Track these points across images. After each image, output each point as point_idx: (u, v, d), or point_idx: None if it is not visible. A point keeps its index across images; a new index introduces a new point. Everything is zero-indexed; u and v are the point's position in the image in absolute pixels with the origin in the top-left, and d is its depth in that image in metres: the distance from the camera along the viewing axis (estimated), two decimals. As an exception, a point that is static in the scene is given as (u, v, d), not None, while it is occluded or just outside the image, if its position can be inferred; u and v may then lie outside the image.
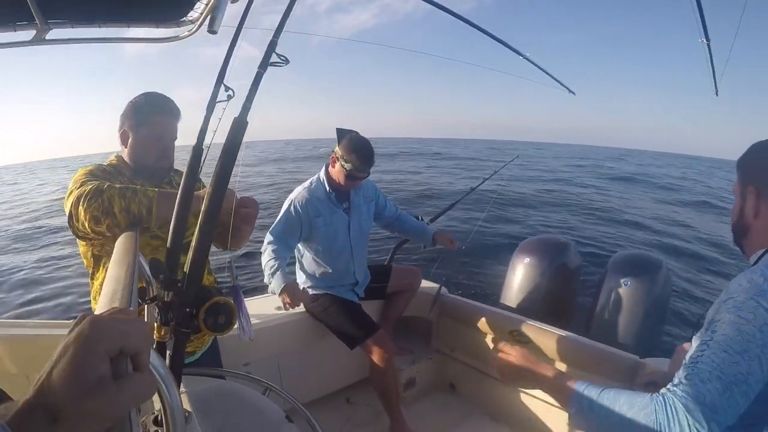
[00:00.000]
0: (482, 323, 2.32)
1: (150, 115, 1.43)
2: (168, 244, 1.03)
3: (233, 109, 1.15)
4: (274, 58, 0.96)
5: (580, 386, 0.98)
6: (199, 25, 1.43)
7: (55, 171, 41.22)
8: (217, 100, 1.09)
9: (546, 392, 1.07)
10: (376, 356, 2.10)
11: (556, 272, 2.44)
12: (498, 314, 2.30)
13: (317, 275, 2.23)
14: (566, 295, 2.55)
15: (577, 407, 0.96)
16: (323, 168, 2.19)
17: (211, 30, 1.39)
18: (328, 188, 2.15)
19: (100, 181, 1.24)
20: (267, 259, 2.05)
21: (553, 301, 2.46)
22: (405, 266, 2.62)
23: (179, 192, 1.05)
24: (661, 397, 0.86)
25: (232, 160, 0.94)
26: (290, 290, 1.98)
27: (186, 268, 0.91)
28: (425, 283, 2.60)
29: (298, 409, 1.23)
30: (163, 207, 1.20)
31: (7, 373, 1.85)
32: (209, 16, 1.37)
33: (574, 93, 2.34)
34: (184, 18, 1.42)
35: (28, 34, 1.38)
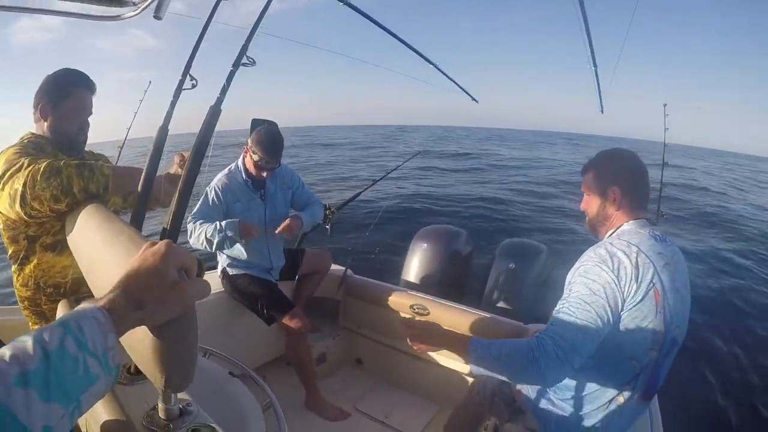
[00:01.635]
0: (385, 300, 2.53)
1: (72, 88, 1.45)
2: (131, 222, 1.15)
3: (194, 97, 1.30)
4: (244, 60, 1.15)
5: (475, 339, 1.29)
6: (143, 9, 1.47)
7: None
8: (183, 87, 1.22)
9: (449, 349, 1.34)
10: (291, 331, 2.26)
11: (450, 256, 2.74)
12: (399, 291, 2.54)
13: (235, 258, 2.33)
14: (460, 275, 2.85)
15: (474, 354, 1.26)
16: (241, 156, 2.30)
17: (157, 15, 1.45)
18: (244, 176, 2.27)
19: (50, 159, 1.25)
20: (199, 231, 2.11)
21: (448, 281, 2.76)
22: (316, 250, 2.78)
23: (144, 172, 1.18)
24: (535, 339, 1.18)
25: (205, 144, 1.11)
26: (245, 225, 2.08)
27: (165, 233, 1.06)
28: (333, 266, 2.79)
29: (239, 367, 1.40)
30: (118, 185, 1.27)
31: None
32: (156, 1, 1.43)
33: (477, 101, 2.60)
34: None
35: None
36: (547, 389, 1.40)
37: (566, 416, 1.34)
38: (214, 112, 1.11)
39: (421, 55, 2.22)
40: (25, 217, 1.24)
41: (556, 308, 1.22)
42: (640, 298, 1.15)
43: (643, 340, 1.18)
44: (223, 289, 2.35)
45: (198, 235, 2.11)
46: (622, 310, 1.16)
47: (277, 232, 2.31)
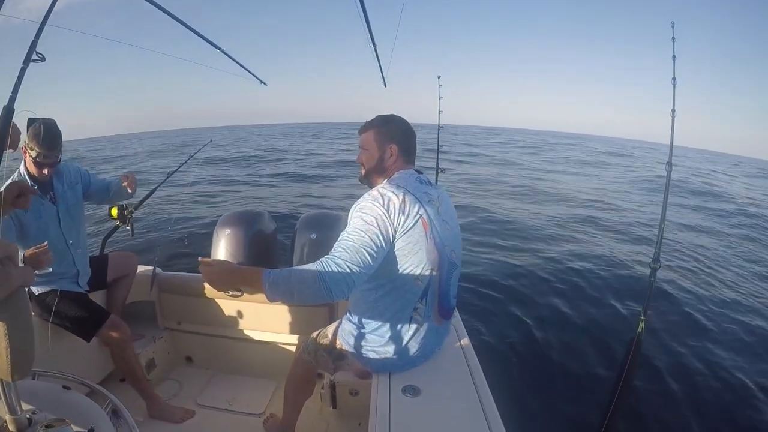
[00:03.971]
0: (199, 291, 2.54)
1: None
2: None
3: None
4: (34, 56, 1.09)
5: (267, 270, 1.32)
6: None
7: None
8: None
9: (247, 285, 1.36)
10: (114, 342, 2.14)
11: (255, 237, 2.74)
12: None
13: (38, 272, 2.05)
14: (267, 254, 2.85)
15: (268, 281, 1.29)
16: (21, 161, 2.05)
17: None
18: (29, 182, 2.04)
19: None
20: None
21: (256, 261, 2.73)
22: (121, 253, 2.63)
23: None
24: (320, 262, 1.30)
25: (1, 147, 1.03)
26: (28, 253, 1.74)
27: None
28: (141, 268, 2.67)
29: (71, 379, 1.32)
30: None
31: None
32: None
33: (266, 84, 2.68)
34: None
35: None
36: (358, 327, 1.59)
37: (380, 346, 1.53)
38: (8, 113, 1.03)
39: (209, 42, 2.22)
40: None
41: (339, 238, 1.37)
42: (410, 225, 1.37)
43: (420, 261, 1.41)
44: (33, 313, 2.04)
45: None
46: (395, 238, 1.37)
47: (124, 185, 2.26)
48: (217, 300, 2.55)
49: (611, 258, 5.72)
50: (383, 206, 1.36)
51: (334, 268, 1.27)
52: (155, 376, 2.56)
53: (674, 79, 1.94)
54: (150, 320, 2.74)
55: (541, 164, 19.41)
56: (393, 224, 1.36)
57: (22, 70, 1.05)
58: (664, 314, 4.24)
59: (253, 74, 2.47)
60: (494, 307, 4.32)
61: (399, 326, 1.51)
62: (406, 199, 1.38)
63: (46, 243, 1.75)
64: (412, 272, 1.42)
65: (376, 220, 1.34)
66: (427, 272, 1.44)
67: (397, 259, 1.40)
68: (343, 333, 1.66)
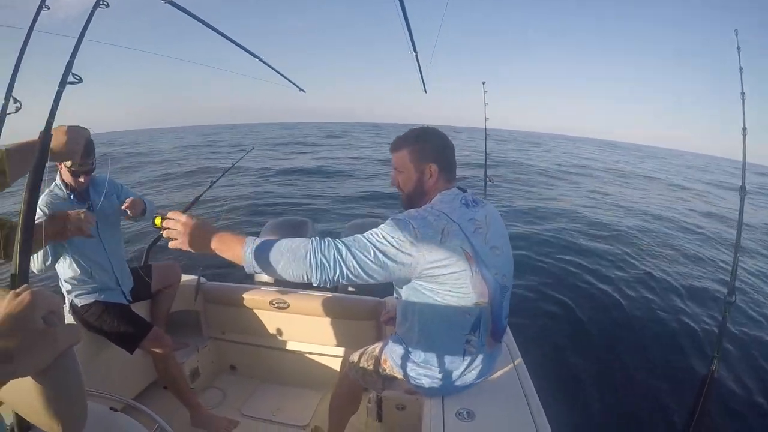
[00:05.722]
0: (244, 301, 2.52)
1: None
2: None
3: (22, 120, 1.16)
4: (70, 78, 1.05)
5: (250, 237, 1.25)
6: None
7: None
8: (7, 112, 1.07)
9: (221, 246, 1.23)
10: (157, 354, 2.15)
11: None
12: (256, 290, 2.53)
13: (80, 282, 2.12)
14: None
15: (251, 246, 1.22)
16: (57, 173, 2.09)
17: None
18: (66, 191, 2.08)
19: None
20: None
21: None
22: (165, 263, 2.64)
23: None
24: (324, 239, 1.24)
25: (41, 173, 1.01)
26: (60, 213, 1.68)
27: (15, 269, 0.94)
28: (185, 277, 2.68)
29: (117, 400, 1.31)
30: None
31: None
32: None
33: (304, 91, 2.69)
34: None
35: None
36: (408, 352, 1.51)
37: (432, 373, 1.46)
38: (46, 140, 1.01)
39: (247, 51, 2.19)
40: None
41: (364, 233, 1.29)
42: (449, 258, 1.25)
43: (466, 295, 1.30)
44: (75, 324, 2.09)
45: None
46: (419, 267, 1.25)
47: (123, 207, 2.16)
48: (262, 311, 2.54)
49: (684, 284, 5.24)
50: (414, 232, 1.25)
51: (328, 253, 1.21)
52: (199, 385, 2.57)
53: (743, 93, 1.76)
54: (194, 329, 2.75)
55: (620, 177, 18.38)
56: (418, 255, 1.24)
57: (59, 93, 1.02)
58: (740, 350, 3.82)
59: (292, 82, 2.42)
60: (550, 323, 4.12)
61: (451, 356, 1.43)
62: (447, 230, 1.27)
63: (85, 210, 1.67)
64: (458, 305, 1.32)
65: (399, 242, 1.24)
66: (476, 305, 1.34)
67: (439, 292, 1.31)
68: (393, 356, 1.58)
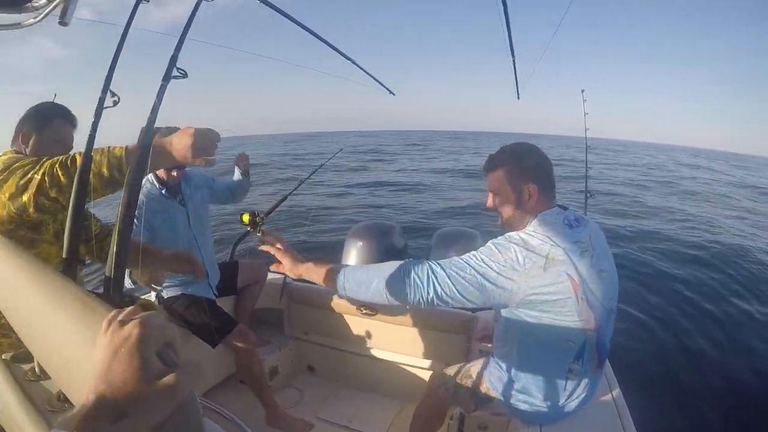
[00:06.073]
0: (329, 304, 2.50)
1: (53, 118, 1.47)
2: (66, 255, 1.01)
3: (120, 114, 1.17)
4: (174, 72, 1.03)
5: (335, 265, 1.32)
6: (46, 14, 1.29)
7: None
8: (105, 106, 1.08)
9: (314, 273, 1.33)
10: (240, 350, 2.17)
11: (385, 252, 2.63)
12: None
13: (170, 274, 2.15)
14: None
15: (343, 271, 1.29)
16: None
17: (62, 21, 1.29)
18: (157, 185, 2.14)
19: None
20: None
21: None
22: (250, 261, 2.68)
23: (71, 204, 1.03)
24: (412, 260, 1.24)
25: (143, 170, 0.99)
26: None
27: (110, 273, 0.93)
28: (271, 275, 2.70)
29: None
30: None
31: None
32: (61, 6, 1.26)
33: (394, 94, 2.65)
34: (29, 4, 1.27)
35: None
36: (508, 376, 1.44)
37: (532, 399, 1.39)
38: (147, 136, 0.99)
39: (338, 51, 2.17)
40: (31, 209, 1.18)
41: (462, 256, 1.26)
42: (553, 285, 1.18)
43: (570, 322, 1.22)
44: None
45: None
46: (521, 292, 1.19)
47: (237, 162, 2.42)
48: (348, 315, 2.51)
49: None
50: (516, 256, 1.19)
51: (422, 273, 1.21)
52: (277, 383, 2.58)
53: None
54: (277, 327, 2.77)
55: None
56: (520, 280, 1.18)
57: (162, 87, 1.00)
58: None
59: (382, 84, 2.36)
60: (652, 348, 3.74)
61: (552, 384, 1.35)
62: (551, 255, 1.19)
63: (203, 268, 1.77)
64: (561, 333, 1.25)
65: (500, 266, 1.19)
66: (581, 333, 1.26)
67: (541, 319, 1.24)
68: (490, 377, 1.51)
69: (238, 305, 2.56)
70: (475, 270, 1.19)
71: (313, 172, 3.29)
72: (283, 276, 2.62)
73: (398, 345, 2.44)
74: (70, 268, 1.01)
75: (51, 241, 1.38)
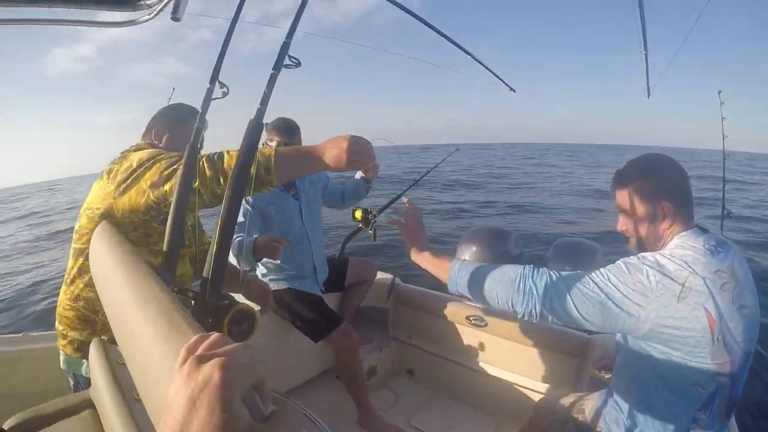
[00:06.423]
0: (437, 310, 2.44)
1: (186, 118, 1.48)
2: (166, 248, 0.98)
3: (229, 105, 1.12)
4: (286, 60, 0.95)
5: (456, 260, 1.29)
6: (159, 11, 1.32)
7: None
8: (213, 97, 1.04)
9: (431, 262, 1.32)
10: (342, 348, 2.14)
11: (499, 260, 2.49)
12: (452, 300, 2.42)
13: (278, 268, 2.21)
14: None
15: (458, 264, 1.25)
16: None
17: (175, 17, 1.30)
18: None
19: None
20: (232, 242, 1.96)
21: None
22: (361, 259, 2.66)
23: (174, 197, 1.00)
24: (532, 266, 1.15)
25: (248, 164, 0.93)
26: (261, 241, 1.86)
27: (207, 274, 0.88)
28: (380, 274, 2.68)
29: (280, 399, 1.23)
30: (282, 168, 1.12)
31: None
32: (172, 2, 1.28)
33: (515, 91, 2.50)
34: (142, 2, 1.30)
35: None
36: (626, 419, 1.27)
37: None
38: (256, 127, 0.92)
39: (458, 46, 2.07)
40: (170, 200, 1.15)
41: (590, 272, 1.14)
42: (686, 324, 1.02)
43: (702, 365, 1.06)
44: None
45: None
46: (646, 323, 1.05)
47: (362, 176, 2.39)
48: (456, 324, 2.42)
49: None
50: (648, 279, 1.04)
51: (540, 281, 1.12)
52: (374, 383, 2.53)
53: None
54: (381, 327, 2.74)
55: None
56: (649, 308, 1.04)
57: (273, 77, 0.93)
58: None
59: (501, 80, 2.21)
60: None
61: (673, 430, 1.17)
62: (689, 285, 1.03)
63: (286, 241, 1.83)
64: (689, 377, 1.08)
65: (628, 289, 1.05)
66: (713, 378, 1.08)
67: (670, 357, 1.08)
68: (607, 418, 1.35)
69: (344, 302, 2.55)
70: (600, 288, 1.06)
71: (428, 172, 3.24)
72: (392, 276, 2.67)
73: (503, 360, 2.31)
74: (170, 264, 0.97)
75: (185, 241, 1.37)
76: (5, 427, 1.03)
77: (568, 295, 1.08)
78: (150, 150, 1.29)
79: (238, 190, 0.91)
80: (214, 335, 0.42)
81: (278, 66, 0.94)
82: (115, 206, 1.21)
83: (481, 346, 2.38)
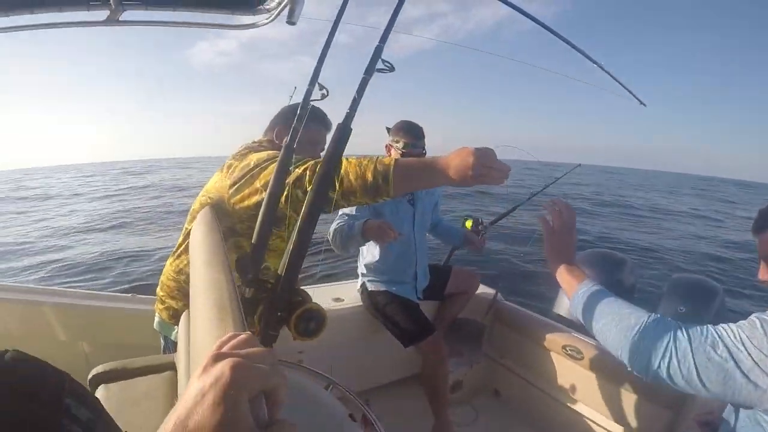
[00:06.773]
0: (535, 334, 2.32)
1: (310, 120, 1.47)
2: (254, 241, 1.03)
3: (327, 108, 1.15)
4: (379, 64, 0.94)
5: (590, 280, 1.13)
6: (276, 15, 1.41)
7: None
8: (311, 99, 1.08)
9: (565, 274, 1.17)
10: (430, 358, 2.12)
11: (612, 288, 2.29)
12: (552, 326, 2.30)
13: (379, 268, 2.23)
14: None
15: (586, 289, 1.11)
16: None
17: (290, 21, 1.38)
18: None
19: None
20: (336, 228, 2.01)
21: None
22: (464, 269, 2.59)
23: (266, 195, 1.05)
24: (659, 316, 0.97)
25: (334, 166, 0.94)
26: (371, 222, 1.88)
27: (282, 270, 0.91)
28: (482, 288, 2.61)
29: (358, 406, 1.24)
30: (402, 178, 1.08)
31: (57, 340, 1.91)
32: (288, 7, 1.36)
33: (645, 105, 2.26)
34: (261, 6, 1.41)
35: (101, 14, 1.37)
36: None
37: None
38: (343, 132, 0.92)
39: (586, 56, 1.90)
40: (283, 199, 1.12)
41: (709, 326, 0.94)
42: None
43: None
44: (361, 303, 2.28)
45: (334, 231, 2.01)
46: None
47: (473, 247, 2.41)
48: (550, 350, 2.28)
49: None
50: None
51: (661, 338, 0.93)
52: (456, 398, 2.47)
53: None
54: (474, 341, 2.66)
55: None
56: None
57: (364, 81, 0.92)
58: None
59: (632, 93, 2.00)
60: None
61: None
62: None
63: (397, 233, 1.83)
64: None
65: (761, 354, 0.83)
66: None
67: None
68: None
69: (441, 311, 2.51)
70: (729, 351, 0.86)
71: (548, 185, 3.03)
72: (495, 291, 2.59)
73: (592, 398, 2.13)
74: (256, 256, 1.03)
75: (284, 239, 1.40)
76: (94, 372, 1.20)
77: (692, 358, 0.90)
78: (270, 151, 1.31)
79: (321, 194, 0.92)
80: (243, 335, 0.43)
81: (370, 70, 0.93)
82: (229, 200, 1.28)
83: (573, 380, 2.22)
